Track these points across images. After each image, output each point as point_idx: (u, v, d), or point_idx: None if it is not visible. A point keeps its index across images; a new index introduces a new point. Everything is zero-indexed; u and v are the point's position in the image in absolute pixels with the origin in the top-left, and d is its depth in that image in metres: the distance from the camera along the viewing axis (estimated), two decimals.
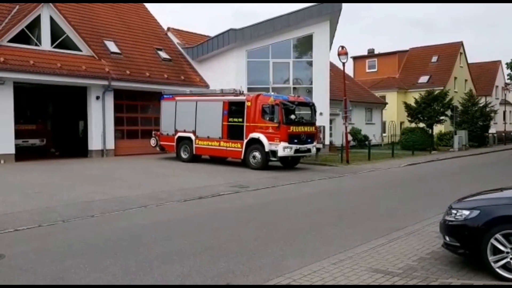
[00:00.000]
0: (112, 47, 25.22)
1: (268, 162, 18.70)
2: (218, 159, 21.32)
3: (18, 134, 21.09)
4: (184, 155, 21.45)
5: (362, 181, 16.62)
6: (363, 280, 5.54)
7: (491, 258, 5.52)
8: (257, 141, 18.59)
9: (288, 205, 11.48)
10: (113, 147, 23.63)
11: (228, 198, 12.33)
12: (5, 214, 9.61)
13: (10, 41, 20.62)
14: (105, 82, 22.81)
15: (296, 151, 18.42)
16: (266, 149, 18.26)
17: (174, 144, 21.86)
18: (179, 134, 21.64)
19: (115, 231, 8.43)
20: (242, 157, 19.16)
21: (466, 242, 5.80)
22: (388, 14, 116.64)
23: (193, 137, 20.97)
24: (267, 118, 18.31)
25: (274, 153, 18.22)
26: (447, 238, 6.10)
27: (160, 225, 9.00)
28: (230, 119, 19.62)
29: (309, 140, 18.97)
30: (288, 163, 19.83)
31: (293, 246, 7.31)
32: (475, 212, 5.78)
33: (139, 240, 7.76)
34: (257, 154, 18.65)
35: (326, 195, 13.32)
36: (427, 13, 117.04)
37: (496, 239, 5.49)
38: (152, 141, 23.06)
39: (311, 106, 19.65)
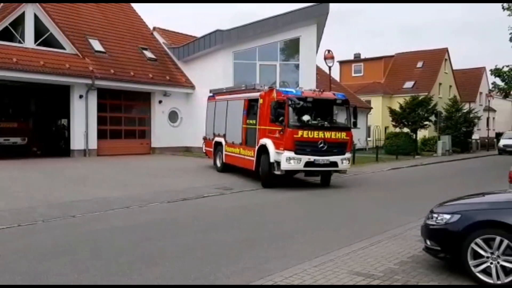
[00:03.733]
0: (97, 45, 24.98)
1: (270, 176, 14.55)
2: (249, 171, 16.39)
3: None
4: (218, 163, 18.45)
5: (345, 185, 16.65)
6: (343, 283, 5.53)
7: (471, 262, 5.55)
8: (265, 149, 14.76)
9: (272, 208, 11.46)
10: (95, 147, 23.35)
11: (212, 200, 12.27)
12: None
13: None
14: (89, 81, 22.55)
15: (309, 164, 14.01)
16: (271, 159, 14.28)
17: (212, 149, 19.06)
18: (216, 138, 18.75)
19: (97, 232, 8.31)
20: (254, 167, 15.44)
21: (447, 246, 5.83)
22: (375, 19, 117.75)
23: (223, 143, 17.93)
24: (274, 119, 14.27)
25: (279, 164, 14.15)
26: (428, 242, 6.13)
27: (142, 226, 8.90)
28: (248, 121, 16.31)
29: (335, 150, 14.33)
30: (323, 180, 15.86)
31: (276, 249, 7.29)
32: (456, 217, 5.80)
33: (120, 241, 7.66)
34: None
35: (310, 198, 13.32)
36: (414, 20, 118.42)
37: (477, 244, 5.52)
38: (203, 147, 20.66)
39: (343, 105, 15.36)
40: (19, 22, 21.39)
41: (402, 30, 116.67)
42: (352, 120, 15.44)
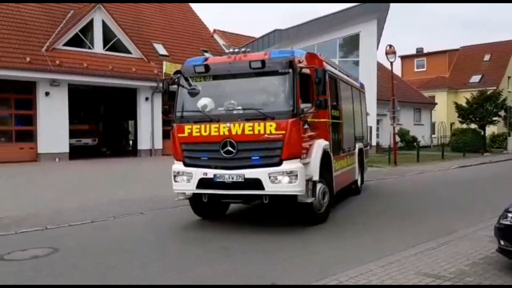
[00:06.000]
0: (160, 49, 25.86)
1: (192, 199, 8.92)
2: None
3: (72, 134, 22.02)
4: None
5: (409, 184, 16.22)
6: (412, 284, 5.41)
7: None
8: None
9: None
10: (161, 147, 24.18)
11: None
12: (60, 210, 10.07)
13: (65, 44, 21.58)
14: (154, 84, 23.39)
15: (204, 183, 8.09)
16: None
17: None
18: None
19: (164, 228, 8.62)
20: None
21: None
22: (438, 12, 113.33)
23: None
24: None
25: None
26: (502, 243, 5.86)
27: (207, 223, 9.12)
28: None
29: (255, 157, 7.89)
30: (301, 215, 8.63)
31: (340, 248, 7.24)
32: None
33: (186, 237, 7.91)
34: None
35: (372, 197, 13.06)
36: (479, 13, 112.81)
37: None
38: None
39: (285, 70, 8.05)
40: (88, 28, 22.56)
41: (466, 22, 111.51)
42: (317, 96, 8.27)
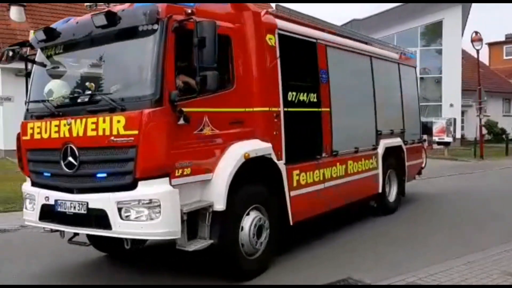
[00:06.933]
0: None
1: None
2: None
3: None
4: None
5: (497, 178, 15.33)
6: (497, 283, 5.17)
7: None
8: None
9: (419, 203, 10.99)
10: None
11: None
12: None
13: None
14: None
15: (47, 212, 5.28)
16: None
17: None
18: None
19: None
20: None
21: None
22: None
23: None
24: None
25: None
26: None
27: None
28: None
29: (101, 175, 4.85)
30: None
31: (419, 245, 7.07)
32: None
33: None
34: None
35: (456, 193, 12.45)
36: None
37: None
38: None
39: (144, 27, 4.70)
40: None
41: None
42: (199, 69, 4.67)
